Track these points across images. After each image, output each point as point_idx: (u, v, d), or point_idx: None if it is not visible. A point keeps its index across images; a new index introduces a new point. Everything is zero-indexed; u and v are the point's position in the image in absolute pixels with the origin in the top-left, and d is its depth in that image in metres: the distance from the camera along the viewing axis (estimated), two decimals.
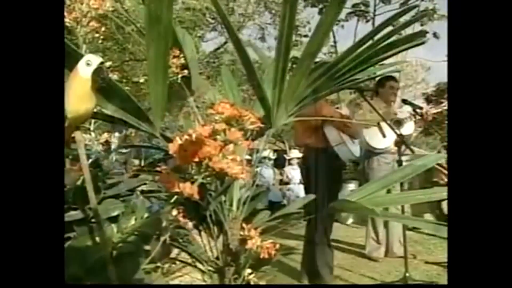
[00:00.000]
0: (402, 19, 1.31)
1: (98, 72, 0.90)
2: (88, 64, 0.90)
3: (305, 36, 12.98)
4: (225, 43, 14.39)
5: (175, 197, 0.84)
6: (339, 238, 5.82)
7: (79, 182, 1.14)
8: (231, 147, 0.84)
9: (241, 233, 1.17)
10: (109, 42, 10.53)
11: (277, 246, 1.16)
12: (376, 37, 1.14)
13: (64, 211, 1.10)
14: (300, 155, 7.65)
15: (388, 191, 1.68)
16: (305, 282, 3.81)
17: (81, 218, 1.10)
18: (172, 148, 0.81)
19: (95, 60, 0.90)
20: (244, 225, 1.17)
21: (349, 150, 3.69)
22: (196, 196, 0.81)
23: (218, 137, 0.86)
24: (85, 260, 1.03)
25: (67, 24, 1.11)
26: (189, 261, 1.52)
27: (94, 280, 1.01)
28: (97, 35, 1.16)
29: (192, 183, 0.82)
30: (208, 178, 0.84)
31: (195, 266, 1.42)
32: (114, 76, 1.23)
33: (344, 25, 13.91)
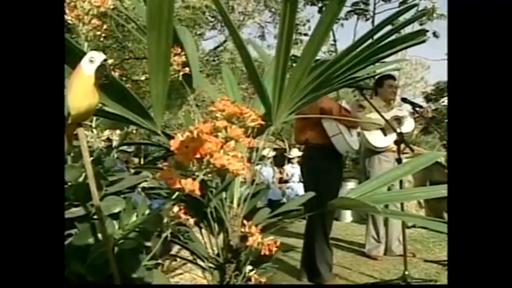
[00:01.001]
0: (402, 18, 1.31)
1: (101, 69, 0.90)
2: (91, 61, 0.90)
3: (305, 34, 12.96)
4: (225, 41, 14.36)
5: (176, 193, 0.84)
6: (339, 236, 5.83)
7: (80, 179, 1.15)
8: (232, 143, 0.84)
9: (242, 230, 1.18)
10: (109, 40, 10.53)
11: (278, 243, 1.17)
12: (375, 36, 1.15)
13: (66, 208, 1.11)
14: (300, 153, 7.67)
15: (389, 189, 1.68)
16: (305, 280, 3.81)
17: (82, 214, 1.10)
18: (173, 144, 0.81)
19: (98, 57, 0.90)
20: (245, 222, 1.18)
21: (346, 141, 3.68)
22: (198, 192, 0.81)
23: (219, 134, 0.86)
24: (87, 256, 1.04)
25: (68, 22, 1.11)
26: (190, 258, 1.53)
27: (95, 276, 1.02)
28: (98, 33, 1.17)
29: (194, 179, 0.83)
30: (209, 175, 0.84)
31: (196, 263, 1.43)
32: (115, 74, 1.23)
33: (343, 24, 13.90)
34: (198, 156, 0.81)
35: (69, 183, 1.14)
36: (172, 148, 0.81)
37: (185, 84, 1.30)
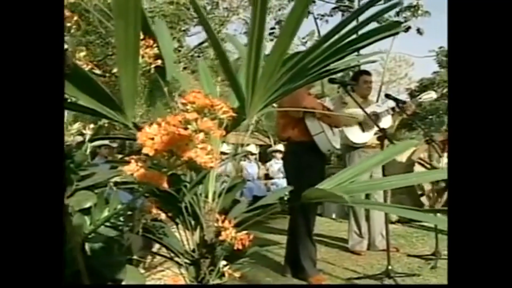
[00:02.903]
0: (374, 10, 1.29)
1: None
2: None
3: None
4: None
5: (144, 187, 0.83)
6: (323, 232, 5.86)
7: None
8: (200, 136, 0.83)
9: (215, 224, 1.16)
10: (92, 36, 10.45)
11: (251, 237, 1.16)
12: (348, 28, 1.13)
13: None
14: (280, 149, 7.64)
15: None
16: (289, 275, 3.82)
17: None
18: (140, 137, 0.79)
19: None
20: (218, 216, 1.17)
21: (328, 140, 3.70)
22: (165, 186, 0.79)
23: (189, 126, 0.85)
24: None
25: None
26: (168, 254, 1.51)
27: (67, 271, 0.99)
28: (68, 24, 1.13)
29: (164, 173, 0.81)
30: (178, 168, 0.83)
31: (172, 259, 1.41)
32: (96, 71, 1.21)
33: (328, 20, 13.94)
34: (165, 148, 0.79)
35: None
36: (138, 141, 0.79)
37: (159, 78, 1.28)
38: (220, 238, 1.13)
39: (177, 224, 1.42)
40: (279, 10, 13.33)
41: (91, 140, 1.29)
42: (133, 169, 0.79)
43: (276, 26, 12.98)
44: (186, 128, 0.83)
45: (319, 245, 4.35)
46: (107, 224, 1.09)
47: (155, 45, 1.15)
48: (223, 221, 1.15)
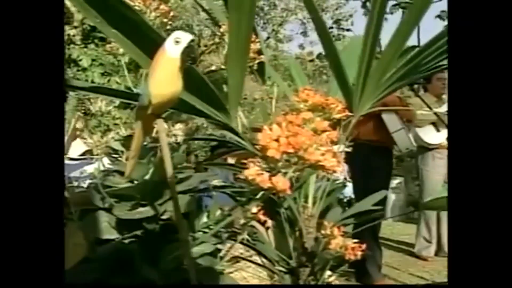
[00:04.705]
0: None
1: (188, 51, 0.81)
2: (177, 42, 0.79)
3: (348, 30, 12.71)
4: (268, 38, 14.27)
5: (262, 193, 0.75)
6: (385, 235, 5.70)
7: (147, 177, 1.07)
8: (324, 137, 0.75)
9: (322, 232, 1.08)
10: None
11: (363, 246, 1.08)
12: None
13: (132, 207, 1.04)
14: (347, 150, 7.50)
15: None
16: (352, 280, 3.71)
17: (151, 215, 1.03)
18: (262, 138, 0.72)
19: (185, 37, 0.79)
20: (326, 223, 1.09)
21: (408, 137, 3.53)
22: (289, 192, 0.72)
23: (305, 126, 0.78)
24: (157, 260, 0.97)
25: (136, 7, 1.04)
26: (248, 258, 1.46)
27: (168, 282, 0.95)
28: (165, 20, 1.09)
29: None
30: (298, 172, 0.75)
31: (264, 266, 1.34)
32: None
33: (387, 18, 13.61)
34: (291, 150, 0.72)
35: (135, 181, 1.08)
36: (261, 143, 0.72)
37: (257, 74, 1.22)
38: (330, 247, 1.05)
39: (267, 229, 1.35)
40: (336, 9, 13.15)
41: (188, 140, 1.24)
42: (254, 173, 0.72)
43: (334, 26, 12.79)
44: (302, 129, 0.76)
45: (383, 249, 4.23)
46: (205, 230, 1.03)
47: (257, 39, 1.09)
48: (331, 229, 1.07)
